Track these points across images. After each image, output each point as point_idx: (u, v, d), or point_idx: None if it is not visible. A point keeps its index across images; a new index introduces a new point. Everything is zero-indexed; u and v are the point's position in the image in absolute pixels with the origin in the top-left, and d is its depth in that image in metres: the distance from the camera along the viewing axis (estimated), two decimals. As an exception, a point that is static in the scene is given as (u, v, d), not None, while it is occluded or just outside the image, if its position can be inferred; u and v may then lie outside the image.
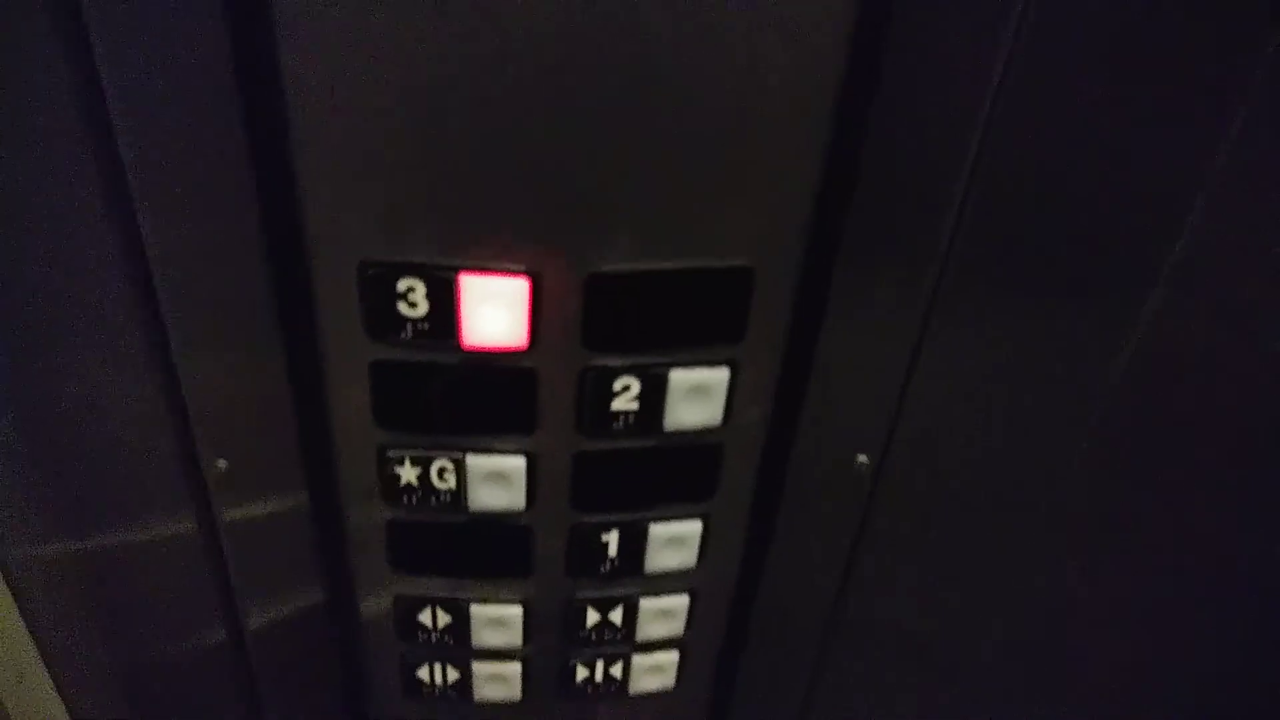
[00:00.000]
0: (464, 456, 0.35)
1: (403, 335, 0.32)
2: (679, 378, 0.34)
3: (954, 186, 0.32)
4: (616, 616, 0.41)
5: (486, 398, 0.34)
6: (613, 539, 0.38)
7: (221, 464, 0.37)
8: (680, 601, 0.41)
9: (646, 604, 0.41)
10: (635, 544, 0.39)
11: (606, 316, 0.32)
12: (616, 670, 0.44)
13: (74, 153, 0.30)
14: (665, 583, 0.41)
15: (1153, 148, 0.32)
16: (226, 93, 0.28)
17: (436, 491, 0.36)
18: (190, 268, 0.32)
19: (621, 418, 0.34)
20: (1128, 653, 0.48)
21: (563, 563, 0.39)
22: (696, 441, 0.36)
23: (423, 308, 0.31)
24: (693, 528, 0.39)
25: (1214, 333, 0.37)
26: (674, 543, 0.39)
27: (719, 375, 0.34)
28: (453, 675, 0.42)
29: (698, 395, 0.34)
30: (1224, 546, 0.43)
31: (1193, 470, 0.41)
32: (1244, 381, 0.38)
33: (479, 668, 0.42)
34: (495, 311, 0.31)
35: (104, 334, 0.34)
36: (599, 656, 0.43)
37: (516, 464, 0.35)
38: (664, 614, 0.42)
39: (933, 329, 0.36)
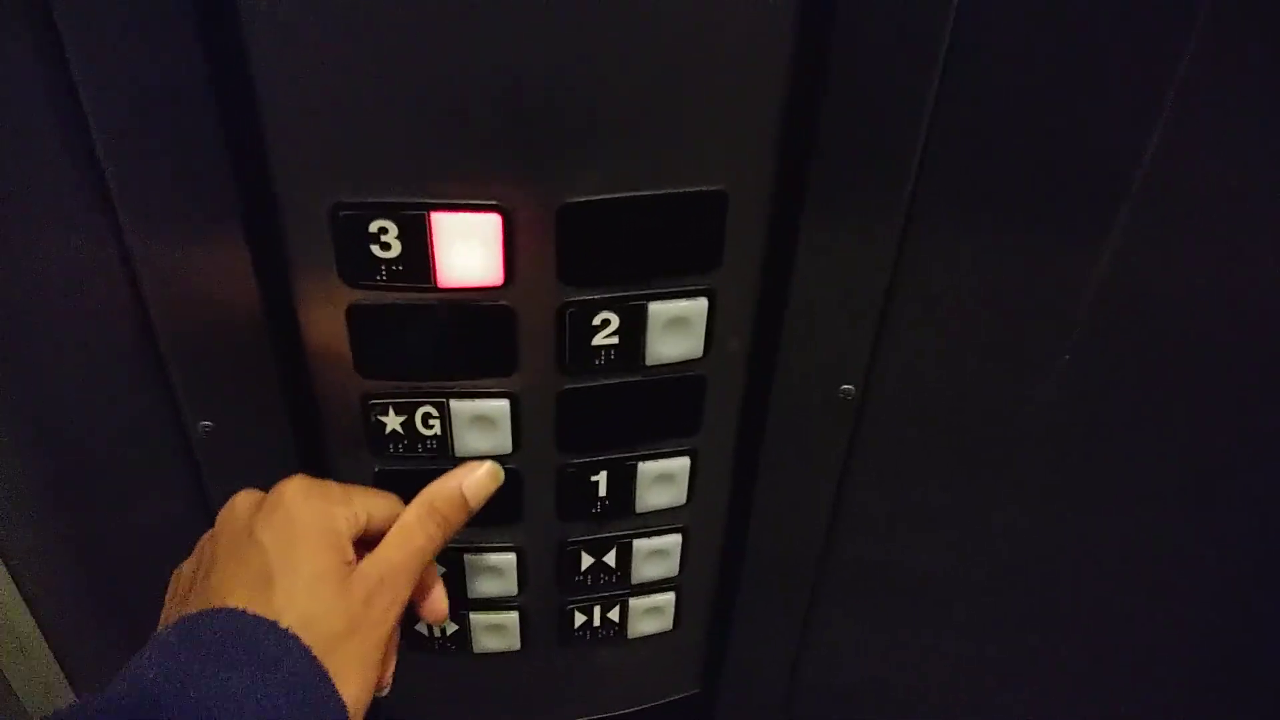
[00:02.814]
0: (448, 401, 0.35)
1: (378, 278, 0.32)
2: (658, 310, 0.34)
3: (921, 105, 0.32)
4: (611, 559, 0.41)
5: (466, 338, 0.34)
6: (602, 479, 0.38)
7: (206, 426, 0.37)
8: (673, 541, 0.42)
9: (640, 545, 0.41)
10: (624, 483, 0.39)
11: (580, 248, 0.32)
12: (614, 614, 0.44)
13: (46, 121, 0.30)
14: (657, 522, 0.41)
15: (1116, 63, 0.32)
16: (188, 47, 0.28)
17: (422, 438, 0.36)
18: (164, 229, 0.32)
19: (602, 353, 0.34)
20: (1119, 583, 0.48)
21: (554, 506, 0.39)
22: (679, 375, 0.36)
23: (396, 249, 0.31)
24: (680, 464, 0.39)
25: (1184, 248, 0.37)
26: (663, 480, 0.39)
27: (698, 306, 0.34)
28: (451, 627, 0.43)
29: (677, 327, 0.35)
30: (1210, 464, 0.44)
31: (1173, 387, 0.41)
32: (1214, 298, 0.38)
33: (477, 618, 0.42)
34: (468, 248, 0.31)
35: (85, 304, 0.34)
36: (596, 601, 0.43)
37: (500, 406, 0.35)
38: (657, 554, 0.42)
39: (908, 253, 0.36)
